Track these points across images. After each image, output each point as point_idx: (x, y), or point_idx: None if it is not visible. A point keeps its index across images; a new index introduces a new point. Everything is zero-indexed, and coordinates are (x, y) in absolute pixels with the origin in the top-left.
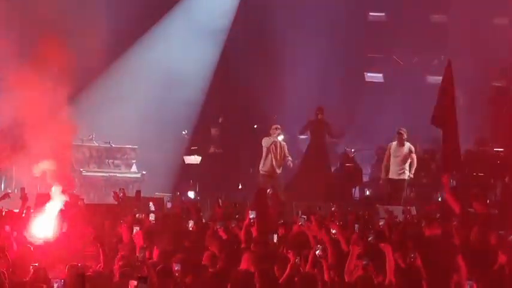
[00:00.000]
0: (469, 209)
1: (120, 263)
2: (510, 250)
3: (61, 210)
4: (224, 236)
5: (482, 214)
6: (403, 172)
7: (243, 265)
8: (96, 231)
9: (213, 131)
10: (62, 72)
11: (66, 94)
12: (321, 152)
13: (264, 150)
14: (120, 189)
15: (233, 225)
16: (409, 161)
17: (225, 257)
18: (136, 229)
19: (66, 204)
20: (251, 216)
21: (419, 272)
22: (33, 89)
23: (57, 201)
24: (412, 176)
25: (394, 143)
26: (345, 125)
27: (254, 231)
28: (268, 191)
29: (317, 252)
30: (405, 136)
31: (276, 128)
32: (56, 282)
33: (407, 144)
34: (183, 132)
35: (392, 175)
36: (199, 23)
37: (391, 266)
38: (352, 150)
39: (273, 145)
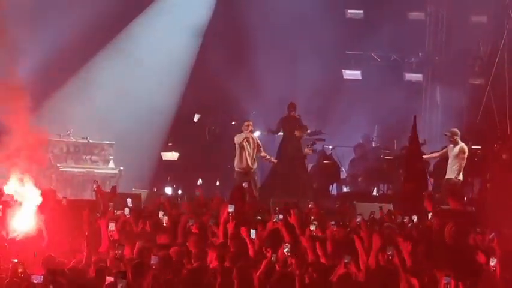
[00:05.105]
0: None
1: (96, 259)
2: (490, 249)
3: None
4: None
5: (456, 210)
6: (451, 172)
7: (213, 262)
8: (76, 227)
9: None
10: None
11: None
12: (295, 149)
13: (237, 147)
14: (94, 181)
15: (211, 223)
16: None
17: (202, 253)
18: (111, 225)
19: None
20: (230, 210)
21: (397, 269)
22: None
23: (32, 196)
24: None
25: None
26: (321, 122)
27: (230, 227)
28: (244, 184)
29: (285, 250)
30: (454, 137)
31: (248, 125)
32: (36, 279)
33: (460, 145)
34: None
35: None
36: (177, 18)
37: (363, 259)
38: (330, 147)
39: (245, 141)
